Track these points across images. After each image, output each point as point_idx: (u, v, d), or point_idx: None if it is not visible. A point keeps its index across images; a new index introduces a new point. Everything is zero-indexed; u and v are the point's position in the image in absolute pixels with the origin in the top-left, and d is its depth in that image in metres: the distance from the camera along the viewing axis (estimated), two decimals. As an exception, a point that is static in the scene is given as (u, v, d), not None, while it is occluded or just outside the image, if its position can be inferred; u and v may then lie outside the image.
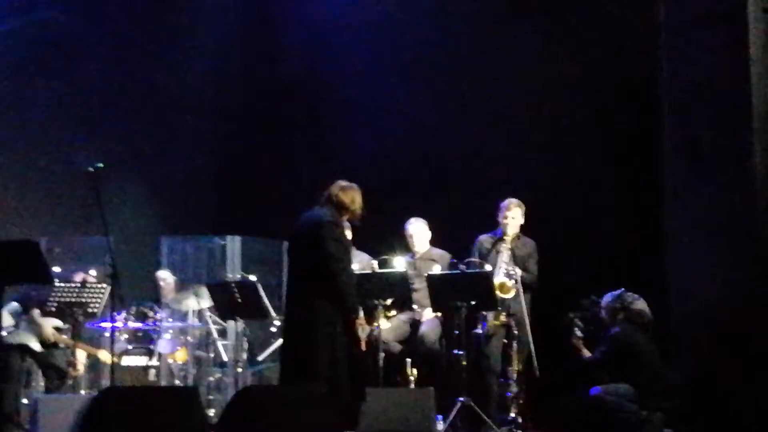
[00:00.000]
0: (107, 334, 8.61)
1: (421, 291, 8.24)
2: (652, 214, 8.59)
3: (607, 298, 7.70)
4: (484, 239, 8.41)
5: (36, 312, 8.51)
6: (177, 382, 9.27)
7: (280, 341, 8.36)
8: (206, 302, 9.15)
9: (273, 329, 9.58)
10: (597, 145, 9.20)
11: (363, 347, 6.99)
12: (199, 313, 9.43)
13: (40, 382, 9.04)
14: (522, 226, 8.34)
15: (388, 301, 7.85)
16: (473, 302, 7.79)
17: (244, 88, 11.49)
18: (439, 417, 7.65)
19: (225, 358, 9.54)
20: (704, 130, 8.09)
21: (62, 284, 8.26)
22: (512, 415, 7.92)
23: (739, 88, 7.93)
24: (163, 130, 10.98)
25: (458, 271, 7.99)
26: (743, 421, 7.54)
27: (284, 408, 5.95)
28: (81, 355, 8.84)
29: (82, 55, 10.69)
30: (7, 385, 8.37)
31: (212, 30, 11.39)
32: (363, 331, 6.93)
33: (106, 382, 8.86)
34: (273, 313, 8.61)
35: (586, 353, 7.70)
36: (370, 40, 10.57)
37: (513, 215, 8.25)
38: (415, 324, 8.56)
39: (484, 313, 8.13)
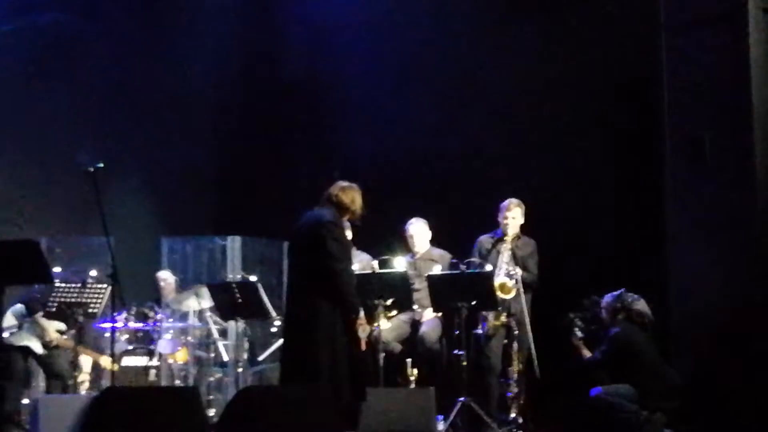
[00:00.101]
0: (107, 335, 8.61)
1: (421, 291, 8.25)
2: (652, 214, 8.58)
3: (607, 298, 7.70)
4: (485, 239, 8.41)
5: (40, 314, 8.50)
6: (177, 382, 9.28)
7: (280, 341, 8.36)
8: (207, 302, 9.16)
9: (273, 329, 9.59)
10: (597, 145, 9.20)
11: (363, 347, 6.98)
12: (200, 314, 9.44)
13: (40, 382, 9.05)
14: (522, 226, 8.34)
15: (389, 301, 7.85)
16: (474, 302, 7.80)
17: (244, 88, 11.50)
18: (440, 417, 7.66)
19: (225, 358, 9.55)
20: (704, 130, 8.08)
21: (62, 284, 8.25)
22: (512, 415, 7.92)
23: (739, 88, 7.93)
24: (164, 130, 10.99)
25: (459, 272, 7.99)
26: (743, 421, 7.54)
27: (285, 408, 5.94)
28: (86, 362, 8.84)
29: (82, 55, 10.69)
30: (9, 384, 8.38)
31: (212, 30, 11.40)
32: (363, 331, 6.91)
33: (106, 383, 8.86)
34: (273, 314, 8.61)
35: (587, 353, 7.70)
36: (370, 40, 10.58)
37: (513, 215, 8.25)
38: (415, 324, 8.57)
39: (484, 313, 8.13)
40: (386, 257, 8.48)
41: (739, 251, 7.87)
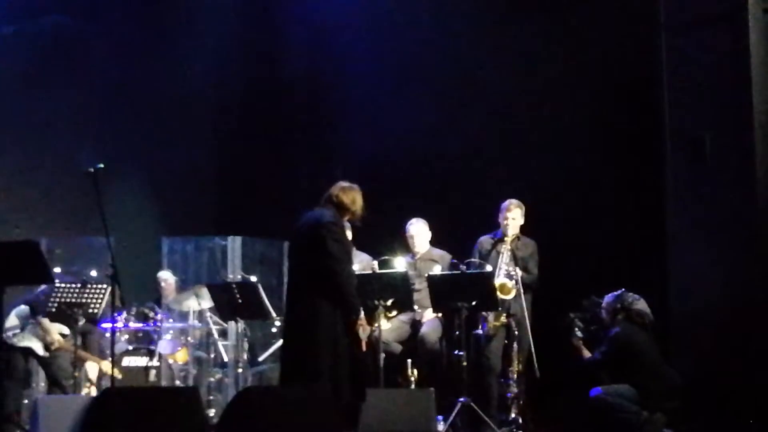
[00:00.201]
0: (108, 335, 8.61)
1: (421, 291, 8.25)
2: (652, 214, 8.59)
3: (607, 299, 7.69)
4: (485, 240, 8.41)
5: (45, 319, 8.50)
6: (177, 382, 9.29)
7: (280, 342, 8.36)
8: (207, 303, 9.16)
9: (273, 330, 9.59)
10: (597, 145, 9.19)
11: (364, 348, 6.97)
12: (200, 314, 9.44)
13: (40, 382, 9.04)
14: (522, 227, 8.34)
15: (389, 302, 7.84)
16: (474, 303, 7.80)
17: (244, 88, 11.50)
18: (440, 417, 7.66)
19: (225, 358, 9.55)
20: (705, 130, 8.09)
21: (62, 285, 8.25)
22: (513, 415, 7.93)
23: (739, 88, 7.93)
24: (164, 131, 10.99)
25: (459, 272, 7.99)
26: (743, 421, 7.54)
27: (285, 408, 5.94)
28: (92, 370, 8.84)
29: (82, 57, 10.70)
30: (10, 384, 8.38)
31: (212, 30, 11.39)
32: (364, 331, 6.91)
33: (106, 383, 8.85)
34: (273, 314, 8.62)
35: (587, 354, 7.70)
36: (370, 40, 10.58)
37: (513, 216, 8.25)
38: (415, 324, 8.56)
39: (484, 313, 8.13)
40: (386, 258, 8.48)
41: (739, 251, 7.87)
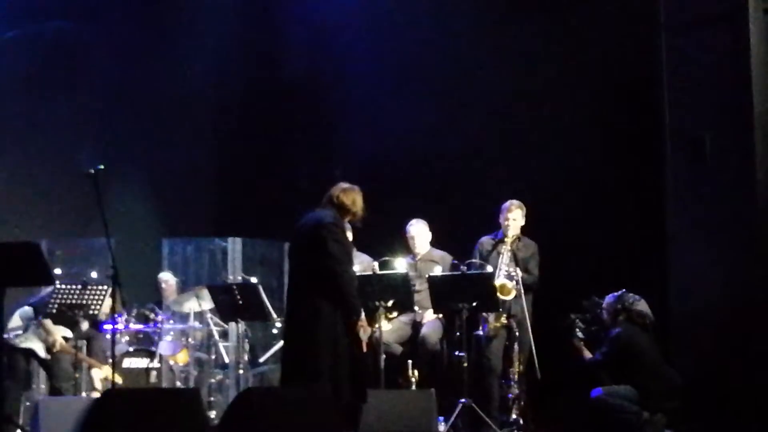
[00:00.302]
0: (108, 336, 8.61)
1: (422, 292, 8.26)
2: (652, 214, 8.59)
3: (608, 299, 7.70)
4: (485, 241, 8.42)
5: (48, 320, 8.50)
6: (178, 383, 9.28)
7: (281, 343, 8.36)
8: (207, 304, 9.15)
9: (274, 331, 9.59)
10: (597, 145, 9.19)
11: (364, 348, 6.97)
12: (200, 315, 9.44)
13: (41, 384, 9.04)
14: (523, 227, 8.34)
15: (390, 303, 7.84)
16: (474, 304, 7.80)
17: (244, 88, 11.50)
18: (441, 418, 7.67)
19: (226, 359, 9.55)
20: (705, 130, 8.09)
21: (63, 286, 8.25)
22: (513, 416, 7.93)
23: (739, 88, 7.94)
24: (164, 131, 10.99)
25: (459, 273, 7.99)
26: (743, 421, 7.54)
27: (285, 409, 5.93)
28: (97, 375, 8.84)
29: (83, 58, 10.69)
30: (11, 384, 8.39)
31: (212, 30, 11.39)
32: (364, 332, 6.91)
33: (107, 384, 8.85)
34: (274, 315, 8.62)
35: (588, 354, 7.70)
36: (370, 40, 10.57)
37: (514, 217, 8.26)
38: (416, 325, 8.57)
39: (485, 314, 8.14)
40: (387, 258, 8.48)
41: (739, 251, 7.88)
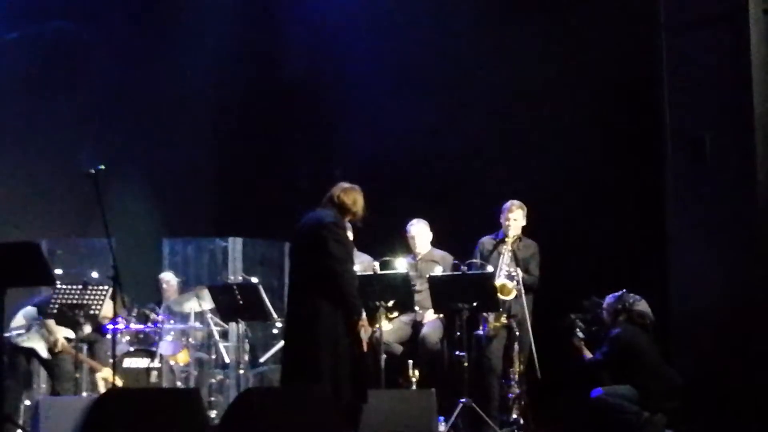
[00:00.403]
0: (109, 336, 8.61)
1: (422, 292, 8.26)
2: (652, 215, 8.59)
3: (608, 299, 7.69)
4: (486, 241, 8.42)
5: (51, 321, 8.51)
6: (178, 383, 9.28)
7: (281, 343, 8.36)
8: (208, 304, 9.16)
9: (274, 331, 9.59)
10: (597, 145, 9.19)
11: (365, 348, 6.98)
12: (201, 315, 9.44)
13: (42, 384, 9.05)
14: (523, 227, 8.34)
15: (390, 303, 7.84)
16: (475, 303, 7.80)
17: (244, 88, 11.50)
18: (441, 418, 7.66)
19: (227, 359, 9.56)
20: (705, 130, 8.09)
21: (63, 286, 8.25)
22: (514, 416, 7.94)
23: (739, 88, 7.93)
24: (164, 132, 11.00)
25: (460, 273, 8.00)
26: (743, 421, 7.54)
27: (286, 410, 5.93)
28: (101, 379, 8.84)
29: (83, 58, 10.69)
30: (12, 383, 8.40)
31: (212, 30, 11.40)
32: (365, 332, 6.91)
33: (108, 385, 8.85)
34: (274, 315, 8.62)
35: (588, 354, 7.70)
36: (370, 40, 10.57)
37: (515, 217, 8.26)
38: (416, 325, 8.57)
39: (485, 314, 8.14)
40: (387, 258, 8.49)
41: (739, 251, 7.87)
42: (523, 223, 8.32)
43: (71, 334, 8.56)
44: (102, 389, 8.75)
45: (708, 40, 8.12)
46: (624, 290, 7.67)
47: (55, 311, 8.23)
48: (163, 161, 10.97)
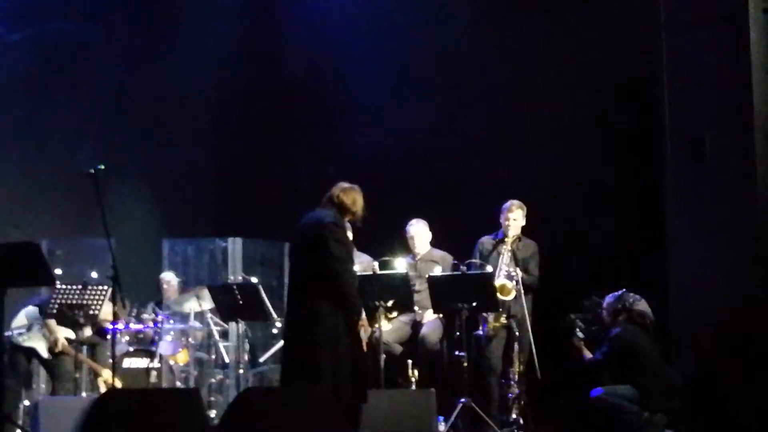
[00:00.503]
0: (108, 336, 8.62)
1: (422, 292, 8.26)
2: (652, 214, 8.59)
3: (608, 299, 7.69)
4: (486, 241, 8.42)
5: (52, 320, 8.51)
6: (178, 383, 9.28)
7: (281, 343, 8.36)
8: (207, 304, 9.16)
9: (274, 331, 9.59)
10: (597, 145, 9.20)
11: (365, 348, 6.98)
12: (201, 315, 9.44)
13: (41, 384, 9.05)
14: (523, 227, 8.34)
15: (390, 303, 7.84)
16: (474, 303, 7.80)
17: (244, 88, 11.50)
18: (441, 418, 7.66)
19: (226, 359, 9.56)
20: (705, 130, 8.09)
21: (63, 286, 8.25)
22: (513, 416, 7.93)
23: (739, 88, 7.93)
24: (164, 132, 11.00)
25: (459, 273, 7.99)
26: (743, 421, 7.54)
27: (285, 409, 5.93)
28: (102, 382, 8.85)
29: (83, 58, 10.70)
30: (13, 382, 8.40)
31: (212, 30, 11.40)
32: (365, 332, 6.91)
33: (108, 386, 8.85)
34: (274, 315, 8.62)
35: (588, 354, 7.70)
36: (370, 40, 10.57)
37: (515, 217, 8.26)
38: (416, 325, 8.57)
39: (484, 314, 8.14)
40: (387, 258, 8.49)
41: (739, 251, 7.87)
42: (523, 223, 8.32)
43: (72, 335, 8.56)
44: (103, 390, 8.75)
45: (708, 40, 8.12)
46: (624, 290, 7.66)
47: (54, 311, 8.23)
48: (163, 161, 10.97)
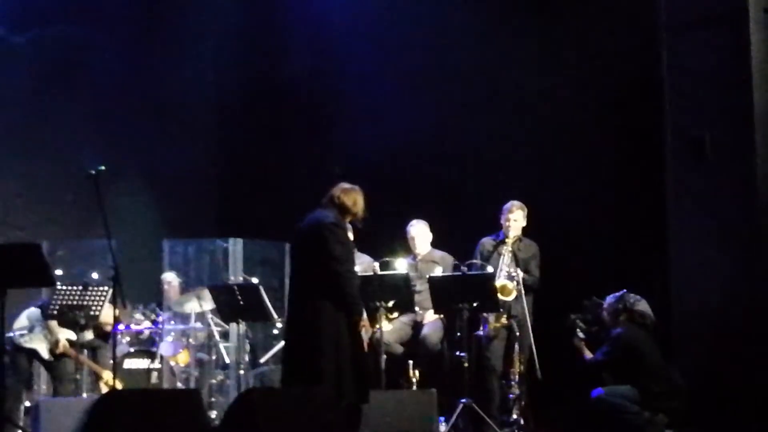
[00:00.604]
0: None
1: (422, 293, 8.26)
2: (653, 215, 8.58)
3: (609, 300, 7.69)
4: (486, 241, 8.42)
5: (54, 322, 8.52)
6: (179, 384, 9.29)
7: (282, 343, 8.36)
8: (208, 305, 9.16)
9: (275, 331, 9.59)
10: (597, 145, 9.20)
11: (366, 348, 6.98)
12: (201, 316, 9.43)
13: (42, 385, 9.05)
14: (523, 228, 8.34)
15: (390, 303, 7.85)
16: (475, 304, 7.80)
17: (244, 88, 11.50)
18: (442, 418, 7.67)
19: (227, 360, 9.55)
20: (705, 130, 8.09)
21: (64, 287, 8.26)
22: (514, 416, 7.94)
23: (739, 88, 7.93)
24: (165, 132, 11.00)
25: (460, 273, 8.00)
26: (744, 421, 7.54)
27: (286, 410, 5.93)
28: (104, 385, 8.86)
29: (84, 59, 10.69)
30: (14, 383, 8.40)
31: (212, 30, 11.39)
32: (366, 332, 6.92)
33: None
34: (275, 316, 8.61)
35: (588, 354, 7.70)
36: (371, 40, 10.57)
37: (515, 218, 8.27)
38: (417, 326, 8.58)
39: (485, 314, 8.14)
40: (387, 259, 8.49)
41: (739, 251, 7.87)
42: (524, 223, 8.33)
43: (73, 336, 8.57)
44: (104, 391, 8.75)
45: (708, 41, 8.12)
46: (624, 290, 7.66)
47: (55, 312, 8.24)
48: (164, 162, 10.96)
